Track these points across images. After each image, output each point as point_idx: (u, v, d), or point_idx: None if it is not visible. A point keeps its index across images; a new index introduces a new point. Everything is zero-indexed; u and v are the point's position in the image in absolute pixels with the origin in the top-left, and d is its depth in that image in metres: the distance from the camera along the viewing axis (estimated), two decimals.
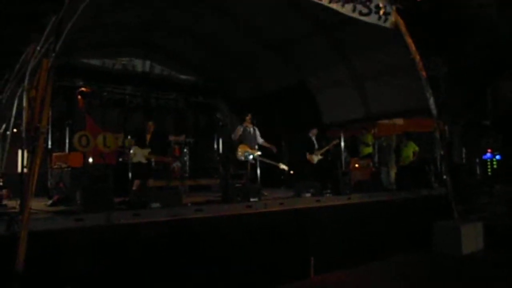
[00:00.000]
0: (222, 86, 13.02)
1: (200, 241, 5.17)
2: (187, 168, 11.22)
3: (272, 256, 5.72)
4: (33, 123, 3.87)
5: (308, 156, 8.93)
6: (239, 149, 7.74)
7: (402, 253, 7.27)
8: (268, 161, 7.91)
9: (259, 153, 7.80)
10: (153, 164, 7.95)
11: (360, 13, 6.84)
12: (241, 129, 7.91)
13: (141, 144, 7.51)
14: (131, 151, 7.23)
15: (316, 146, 9.12)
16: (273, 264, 5.69)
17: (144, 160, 7.39)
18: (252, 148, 7.82)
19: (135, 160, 7.27)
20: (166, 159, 7.60)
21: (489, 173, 14.57)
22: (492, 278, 6.11)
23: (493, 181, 12.53)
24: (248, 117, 8.01)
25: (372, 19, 7.07)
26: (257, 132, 8.03)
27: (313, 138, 9.21)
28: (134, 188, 6.85)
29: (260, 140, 8.01)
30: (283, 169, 7.95)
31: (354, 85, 10.41)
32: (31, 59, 4.47)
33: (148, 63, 11.58)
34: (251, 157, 7.65)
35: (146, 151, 7.46)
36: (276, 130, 11.48)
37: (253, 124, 8.04)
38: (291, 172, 12.27)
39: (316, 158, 8.93)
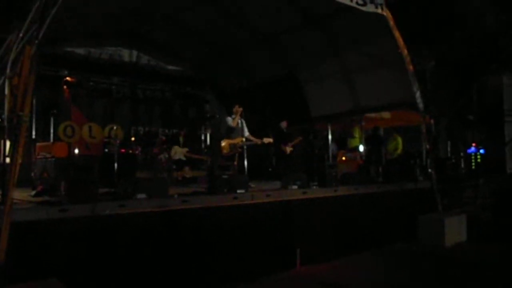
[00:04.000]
0: (210, 77, 12.94)
1: (186, 232, 5.16)
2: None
3: (258, 247, 5.75)
4: (16, 111, 3.79)
5: (282, 147, 9.01)
6: (224, 145, 7.69)
7: (388, 245, 7.37)
8: (252, 138, 7.90)
9: (243, 139, 7.75)
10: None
11: (357, 3, 6.90)
12: (230, 120, 7.80)
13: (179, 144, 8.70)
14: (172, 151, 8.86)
15: (286, 137, 9.23)
16: (260, 255, 5.71)
17: (183, 157, 8.62)
18: (236, 138, 7.75)
19: (176, 157, 8.80)
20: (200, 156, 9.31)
21: (473, 167, 14.78)
22: (471, 268, 6.24)
23: (477, 175, 12.73)
24: (236, 108, 7.85)
25: (369, 8, 7.13)
26: (244, 124, 7.98)
27: (285, 130, 9.33)
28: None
29: (247, 133, 7.93)
30: (269, 143, 7.95)
31: (342, 78, 10.44)
32: (14, 47, 4.37)
33: (135, 53, 11.43)
34: (236, 147, 7.64)
35: (185, 150, 8.79)
36: (265, 122, 11.47)
37: (242, 117, 7.97)
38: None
39: (288, 149, 9.04)
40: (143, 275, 4.68)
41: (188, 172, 8.81)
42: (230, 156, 7.66)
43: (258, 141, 7.85)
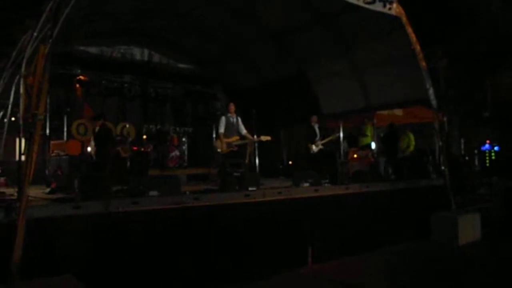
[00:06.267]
0: (220, 75, 12.97)
1: (198, 229, 5.18)
2: (186, 157, 11.23)
3: (269, 245, 5.73)
4: (31, 110, 3.84)
5: (308, 145, 8.87)
6: (218, 144, 7.68)
7: (401, 243, 7.30)
8: (248, 136, 7.76)
9: (237, 137, 7.68)
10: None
11: (365, 2, 6.81)
12: (224, 119, 7.76)
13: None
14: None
15: (318, 136, 9.01)
16: (271, 253, 5.70)
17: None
18: (230, 137, 7.71)
19: None
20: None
21: (487, 164, 14.59)
22: (484, 267, 6.16)
23: (491, 172, 12.56)
24: (231, 106, 7.87)
25: (377, 6, 7.03)
26: (240, 122, 7.87)
27: (315, 127, 9.08)
28: None
29: (244, 131, 7.82)
30: (267, 140, 7.82)
31: (353, 76, 10.37)
32: (28, 46, 4.42)
33: (146, 51, 11.50)
34: (232, 146, 7.62)
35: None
36: (275, 120, 11.46)
37: (236, 114, 7.91)
38: (290, 161, 12.31)
39: (316, 147, 8.85)
40: (156, 272, 4.71)
41: None
42: (227, 154, 7.58)
43: (255, 139, 7.75)
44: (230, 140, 7.60)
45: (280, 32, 10.19)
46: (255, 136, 7.74)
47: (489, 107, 15.25)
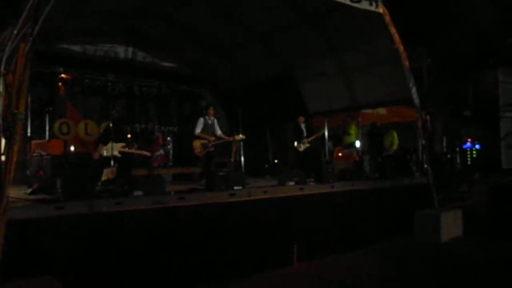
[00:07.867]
0: (206, 74, 12.89)
1: (183, 229, 5.16)
2: (171, 156, 11.15)
3: (255, 244, 5.75)
4: (11, 109, 3.77)
5: (295, 143, 9.00)
6: (195, 145, 7.88)
7: (385, 241, 7.38)
8: (224, 137, 8.08)
9: (212, 138, 7.95)
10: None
11: (351, 0, 6.88)
12: (202, 121, 8.01)
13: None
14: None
15: (305, 134, 9.19)
16: (256, 252, 5.72)
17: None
18: (207, 137, 7.94)
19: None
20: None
21: (469, 162, 14.87)
22: (466, 263, 6.27)
23: (472, 170, 12.79)
24: (210, 110, 8.18)
25: (363, 5, 7.12)
26: (216, 124, 8.18)
27: (302, 126, 9.27)
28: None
29: (219, 132, 8.13)
30: (241, 139, 7.96)
31: (339, 75, 10.44)
32: (8, 44, 4.33)
33: (130, 50, 11.35)
34: (208, 146, 7.86)
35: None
36: (261, 119, 11.46)
37: (214, 116, 8.25)
38: (276, 160, 12.33)
39: (303, 146, 8.99)
40: (140, 272, 4.67)
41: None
42: (204, 154, 7.85)
43: (230, 139, 8.05)
44: (205, 141, 7.85)
45: (266, 33, 10.19)
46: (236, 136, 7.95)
47: (471, 106, 15.52)
